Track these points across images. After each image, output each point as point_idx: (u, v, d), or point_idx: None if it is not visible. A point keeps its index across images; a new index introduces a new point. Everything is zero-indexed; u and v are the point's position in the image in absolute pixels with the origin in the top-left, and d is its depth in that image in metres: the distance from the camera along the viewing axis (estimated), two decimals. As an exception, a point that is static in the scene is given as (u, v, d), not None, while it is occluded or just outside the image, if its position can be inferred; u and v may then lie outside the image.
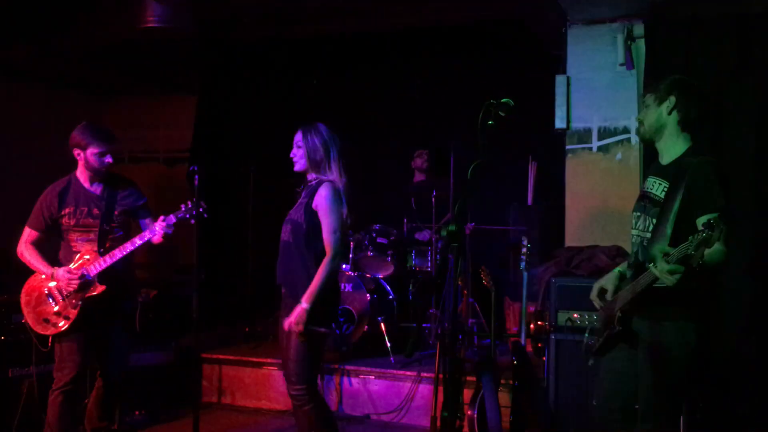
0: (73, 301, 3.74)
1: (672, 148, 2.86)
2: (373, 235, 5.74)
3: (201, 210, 3.77)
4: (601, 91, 4.98)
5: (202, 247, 3.77)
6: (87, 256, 3.80)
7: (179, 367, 5.17)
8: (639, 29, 4.88)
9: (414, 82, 6.70)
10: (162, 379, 5.02)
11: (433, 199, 5.78)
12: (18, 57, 6.78)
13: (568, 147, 5.12)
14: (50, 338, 3.81)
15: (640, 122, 2.94)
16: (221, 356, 5.46)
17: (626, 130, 4.95)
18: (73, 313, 3.74)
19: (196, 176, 3.63)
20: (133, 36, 5.70)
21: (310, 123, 3.54)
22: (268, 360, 5.27)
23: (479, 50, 6.36)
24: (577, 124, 5.07)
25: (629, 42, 4.87)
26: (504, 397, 4.09)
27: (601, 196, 4.98)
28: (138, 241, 3.76)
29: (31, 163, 7.32)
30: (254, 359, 5.36)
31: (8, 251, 6.49)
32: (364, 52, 6.65)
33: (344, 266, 5.54)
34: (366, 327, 5.31)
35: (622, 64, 4.91)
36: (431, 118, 6.60)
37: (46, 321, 3.76)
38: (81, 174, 3.90)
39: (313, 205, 3.43)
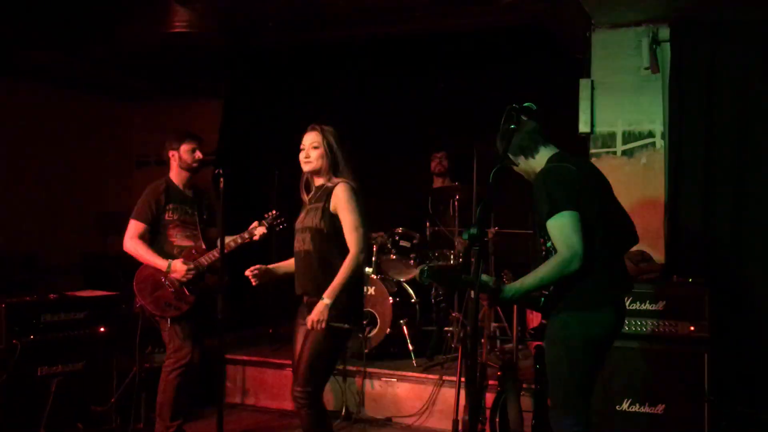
0: (191, 287, 4.17)
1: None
2: (396, 238, 5.76)
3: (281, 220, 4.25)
4: (626, 95, 4.96)
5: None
6: (194, 251, 4.23)
7: (204, 367, 5.22)
8: (664, 33, 4.85)
9: (437, 86, 6.71)
10: (186, 379, 5.07)
11: (456, 204, 5.78)
12: (47, 61, 6.89)
13: (592, 151, 5.09)
14: (168, 320, 4.15)
15: (526, 173, 3.13)
16: (245, 357, 5.53)
17: (651, 135, 4.92)
18: (191, 298, 4.17)
19: (221, 179, 3.67)
20: (161, 41, 5.78)
21: (322, 123, 3.52)
22: (291, 362, 5.30)
23: (502, 54, 6.35)
24: (601, 128, 5.05)
25: (654, 46, 4.84)
26: (526, 402, 4.08)
27: (626, 201, 4.84)
28: (239, 240, 4.19)
29: (55, 167, 7.44)
30: (277, 361, 5.40)
31: (36, 254, 6.63)
32: (387, 57, 6.68)
33: (366, 269, 5.56)
34: (388, 330, 5.32)
35: (647, 68, 4.88)
36: (454, 123, 6.60)
37: (168, 305, 4.14)
38: (175, 177, 4.35)
39: (332, 208, 3.40)
